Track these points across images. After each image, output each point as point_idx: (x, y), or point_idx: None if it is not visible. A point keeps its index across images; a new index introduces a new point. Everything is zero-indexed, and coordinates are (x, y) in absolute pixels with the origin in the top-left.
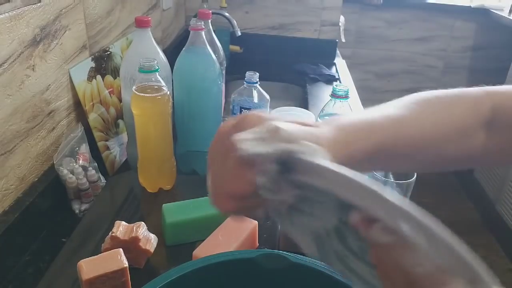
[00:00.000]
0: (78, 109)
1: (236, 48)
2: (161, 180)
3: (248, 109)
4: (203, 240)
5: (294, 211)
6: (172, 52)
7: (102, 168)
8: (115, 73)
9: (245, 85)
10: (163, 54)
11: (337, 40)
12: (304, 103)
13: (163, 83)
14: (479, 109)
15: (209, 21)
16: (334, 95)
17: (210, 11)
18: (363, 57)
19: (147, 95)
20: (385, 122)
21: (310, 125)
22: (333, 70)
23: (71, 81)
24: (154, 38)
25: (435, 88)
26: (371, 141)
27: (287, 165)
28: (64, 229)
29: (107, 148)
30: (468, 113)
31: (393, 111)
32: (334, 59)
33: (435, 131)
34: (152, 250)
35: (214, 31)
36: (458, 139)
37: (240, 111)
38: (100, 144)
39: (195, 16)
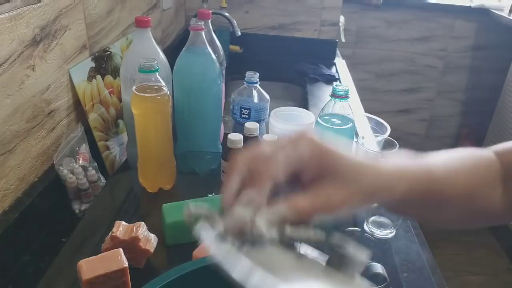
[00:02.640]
0: (78, 109)
1: (236, 48)
2: (161, 180)
3: (248, 109)
4: None
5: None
6: (172, 52)
7: (102, 168)
8: (115, 73)
9: (245, 85)
10: (163, 54)
11: (337, 40)
12: (304, 103)
13: (163, 83)
14: (495, 166)
15: (209, 21)
16: (334, 95)
17: (210, 11)
18: (363, 57)
19: (147, 95)
20: (418, 169)
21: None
22: (333, 70)
23: (71, 81)
24: (154, 38)
25: (435, 88)
26: (406, 185)
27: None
28: (64, 229)
29: (107, 148)
30: (488, 169)
31: (431, 161)
32: (334, 59)
33: (463, 183)
34: (152, 250)
35: (214, 31)
36: (482, 193)
37: (240, 111)
38: (100, 144)
39: (195, 16)
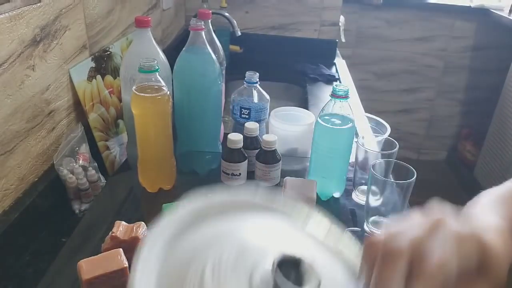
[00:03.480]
0: (78, 109)
1: (236, 48)
2: (161, 180)
3: (248, 109)
4: None
5: None
6: (172, 52)
7: (102, 168)
8: (115, 73)
9: (245, 85)
10: (163, 54)
11: (337, 40)
12: (304, 103)
13: (163, 83)
14: None
15: (209, 21)
16: (334, 95)
17: (210, 11)
18: (363, 57)
19: (147, 95)
20: None
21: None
22: (333, 70)
23: (71, 81)
24: (154, 38)
25: (435, 88)
26: None
27: None
28: (64, 229)
29: (107, 148)
30: None
31: None
32: (334, 59)
33: None
34: None
35: (214, 31)
36: None
37: (240, 111)
38: (100, 144)
39: (195, 16)
